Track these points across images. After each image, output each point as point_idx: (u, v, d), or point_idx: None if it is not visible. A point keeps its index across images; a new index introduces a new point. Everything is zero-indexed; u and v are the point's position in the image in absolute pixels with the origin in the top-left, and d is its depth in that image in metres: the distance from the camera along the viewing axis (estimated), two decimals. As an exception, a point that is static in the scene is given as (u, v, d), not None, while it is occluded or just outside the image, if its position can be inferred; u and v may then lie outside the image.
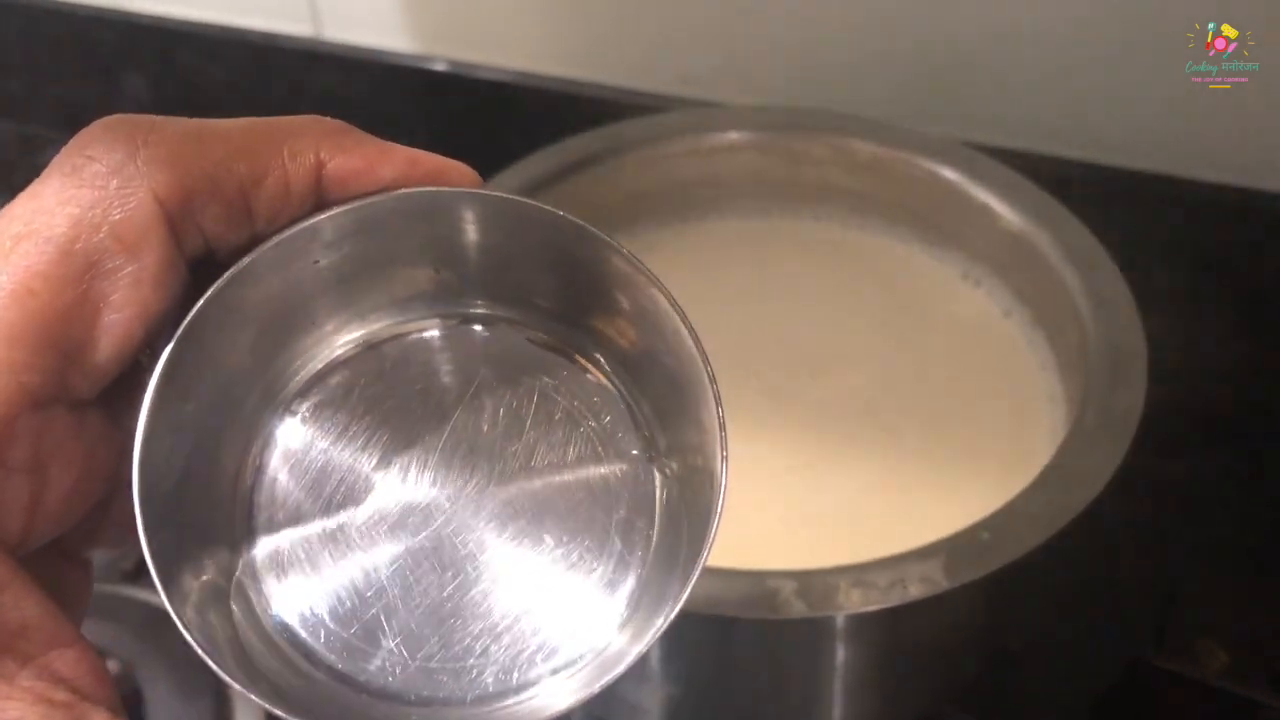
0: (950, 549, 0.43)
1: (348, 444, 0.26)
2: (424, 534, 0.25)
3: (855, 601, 0.42)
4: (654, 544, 0.26)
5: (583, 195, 0.60)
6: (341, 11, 0.77)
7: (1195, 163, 0.62)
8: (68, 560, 0.26)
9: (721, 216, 0.64)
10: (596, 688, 0.23)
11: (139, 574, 0.61)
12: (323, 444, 0.26)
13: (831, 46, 0.66)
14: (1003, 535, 0.43)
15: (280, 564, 0.25)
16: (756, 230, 0.64)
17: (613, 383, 0.27)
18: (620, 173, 0.61)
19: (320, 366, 0.26)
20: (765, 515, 0.51)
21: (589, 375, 0.27)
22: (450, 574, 0.25)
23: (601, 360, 0.27)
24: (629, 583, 0.25)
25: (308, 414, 0.26)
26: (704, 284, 0.60)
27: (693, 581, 0.24)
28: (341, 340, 0.27)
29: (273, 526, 0.25)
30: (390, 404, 0.26)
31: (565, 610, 0.25)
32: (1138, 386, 0.48)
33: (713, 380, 0.25)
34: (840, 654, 0.47)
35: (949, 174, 0.58)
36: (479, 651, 0.25)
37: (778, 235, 0.63)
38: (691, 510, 0.25)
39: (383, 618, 0.25)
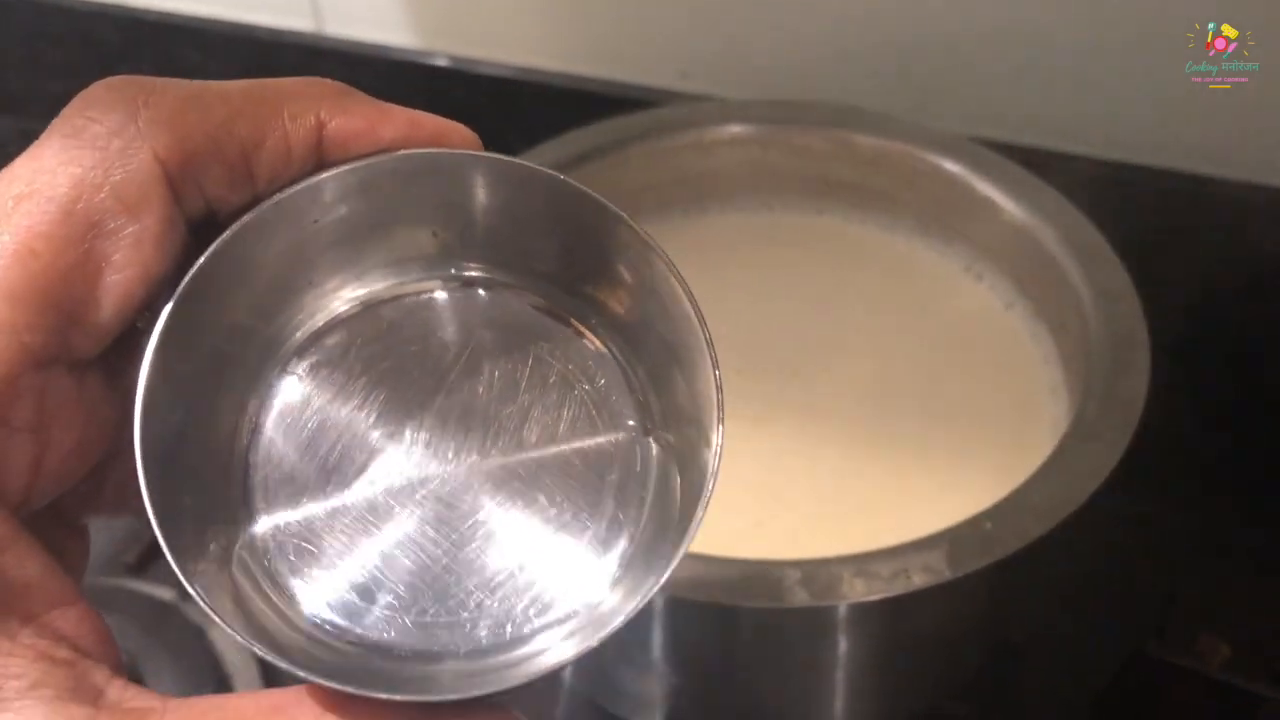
0: (953, 539, 0.43)
1: (344, 404, 0.26)
2: (418, 495, 0.25)
3: (859, 591, 0.42)
4: (647, 506, 0.26)
5: (585, 188, 0.60)
6: (343, 8, 0.77)
7: (1196, 161, 0.62)
8: (65, 527, 0.26)
9: (723, 211, 0.64)
10: (594, 642, 0.23)
11: (141, 567, 0.61)
12: (318, 404, 0.26)
13: (833, 42, 0.66)
14: (1006, 526, 0.43)
15: (276, 524, 0.25)
16: (758, 224, 0.64)
17: (608, 348, 0.27)
18: (622, 167, 0.61)
19: (318, 326, 0.26)
20: (768, 506, 0.50)
21: (585, 341, 0.27)
22: (445, 533, 0.25)
23: (598, 326, 0.27)
24: (622, 543, 0.25)
25: (304, 374, 0.26)
26: (705, 278, 0.59)
27: (687, 542, 0.23)
28: (340, 301, 0.27)
29: (268, 486, 0.25)
30: (387, 365, 0.26)
31: (559, 567, 0.25)
32: (1140, 379, 0.48)
33: (710, 345, 0.25)
34: (843, 643, 0.46)
35: (952, 167, 0.58)
36: (473, 606, 0.25)
37: (779, 229, 0.63)
38: (686, 474, 0.25)
39: (378, 575, 0.25)
